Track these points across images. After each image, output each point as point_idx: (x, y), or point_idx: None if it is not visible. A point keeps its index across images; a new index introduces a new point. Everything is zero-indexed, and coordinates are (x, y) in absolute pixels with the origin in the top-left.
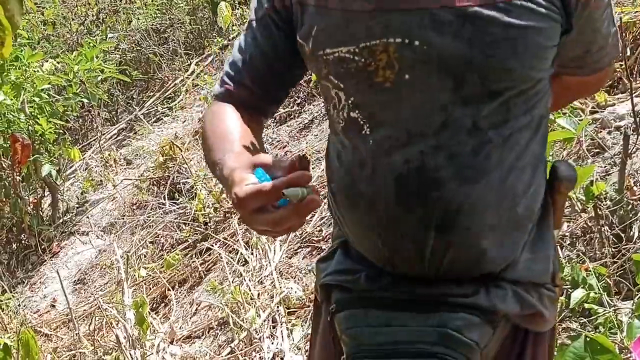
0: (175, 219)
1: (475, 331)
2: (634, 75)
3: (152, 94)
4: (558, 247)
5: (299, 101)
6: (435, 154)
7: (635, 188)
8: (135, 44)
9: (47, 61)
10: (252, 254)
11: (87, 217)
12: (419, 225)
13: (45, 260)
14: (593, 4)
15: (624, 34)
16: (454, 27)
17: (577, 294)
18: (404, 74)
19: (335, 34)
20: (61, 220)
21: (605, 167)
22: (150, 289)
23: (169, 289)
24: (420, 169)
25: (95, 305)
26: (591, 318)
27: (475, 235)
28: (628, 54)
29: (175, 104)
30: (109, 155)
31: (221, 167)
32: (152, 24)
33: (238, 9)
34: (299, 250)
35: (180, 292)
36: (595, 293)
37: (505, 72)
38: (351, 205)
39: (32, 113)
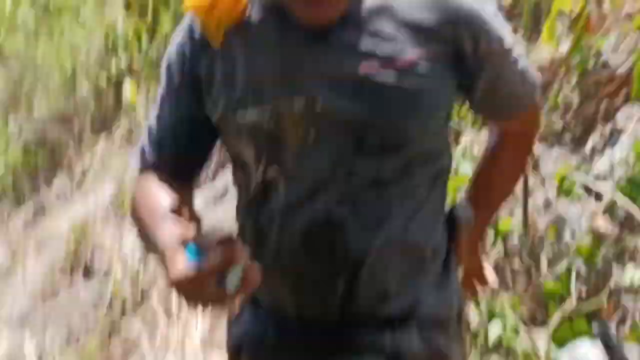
0: (91, 300)
1: None
2: None
3: (59, 177)
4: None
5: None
6: (339, 206)
7: (538, 222)
8: (39, 131)
9: None
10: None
11: None
12: (326, 274)
13: None
14: (491, 56)
15: None
16: (353, 89)
17: (494, 328)
18: (308, 132)
19: (245, 97)
20: None
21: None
22: None
23: None
24: (326, 221)
25: None
26: (510, 350)
27: (380, 282)
28: None
29: (85, 185)
30: (18, 242)
31: (155, 243)
32: (57, 109)
33: (143, 87)
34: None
35: None
36: (513, 324)
37: (402, 131)
38: (259, 258)
39: None
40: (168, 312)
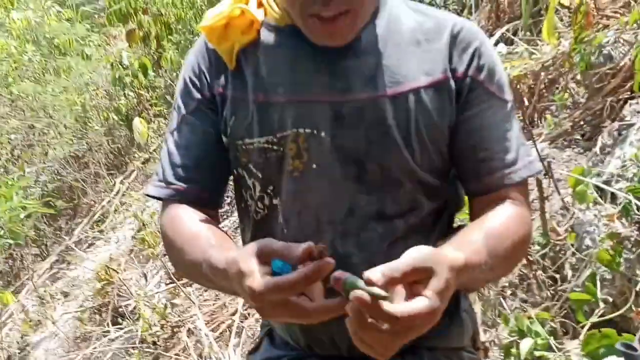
0: (122, 344)
1: None
2: (535, 122)
3: (80, 220)
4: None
5: (228, 200)
6: (344, 241)
7: (558, 228)
8: (55, 174)
9: None
10: None
11: None
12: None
13: None
14: (482, 92)
15: (518, 86)
16: (353, 120)
17: (526, 344)
18: (311, 164)
19: (252, 124)
20: None
21: None
22: None
23: None
24: (333, 253)
25: None
26: None
27: None
28: (526, 103)
29: (106, 226)
30: (45, 291)
31: (208, 263)
32: (70, 151)
33: (153, 122)
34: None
35: None
36: (543, 339)
37: (402, 163)
38: None
39: None
40: (198, 349)
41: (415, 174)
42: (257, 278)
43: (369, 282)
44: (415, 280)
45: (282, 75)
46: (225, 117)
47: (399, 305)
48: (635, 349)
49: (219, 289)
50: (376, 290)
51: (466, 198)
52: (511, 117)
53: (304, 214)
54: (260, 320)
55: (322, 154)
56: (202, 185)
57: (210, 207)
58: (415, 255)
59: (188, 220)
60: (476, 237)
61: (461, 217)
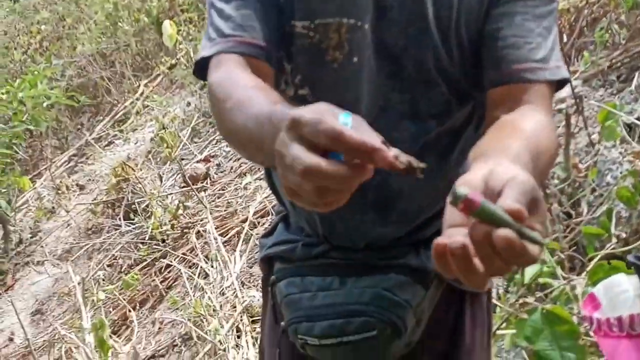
0: (132, 239)
1: (407, 291)
2: (572, 59)
3: (101, 118)
4: None
5: None
6: None
7: (580, 165)
8: (81, 70)
9: None
10: (212, 266)
11: (42, 246)
12: (357, 206)
13: (0, 294)
14: None
15: (558, 21)
16: (395, 14)
17: (531, 269)
18: (352, 56)
19: (293, 7)
20: (15, 252)
21: None
22: (111, 311)
23: (129, 310)
24: None
25: (55, 334)
26: (547, 292)
27: (411, 216)
28: (565, 39)
29: (126, 127)
30: (61, 182)
31: (268, 115)
32: (98, 48)
33: (183, 28)
34: None
35: (141, 312)
36: (549, 267)
37: (437, 62)
38: None
39: None
40: (205, 251)
41: (450, 75)
42: (327, 116)
43: (515, 215)
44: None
45: None
46: None
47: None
48: None
49: (266, 154)
50: (535, 235)
51: None
52: (552, 18)
53: (338, 107)
54: (276, 207)
55: (362, 47)
56: (261, 35)
57: (269, 63)
58: (523, 187)
59: (243, 78)
60: (523, 153)
61: None
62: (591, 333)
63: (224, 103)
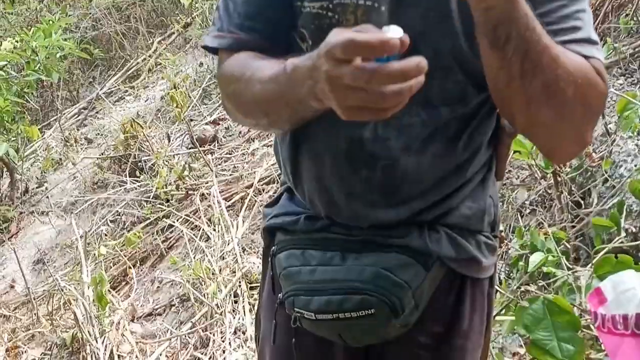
0: (136, 196)
1: (407, 272)
2: None
3: (113, 73)
4: (498, 200)
5: None
6: (386, 123)
7: (594, 155)
8: (96, 22)
9: (5, 40)
10: (214, 230)
11: (47, 197)
12: (362, 186)
13: (4, 241)
14: None
15: None
16: None
17: (536, 257)
18: None
19: None
20: (20, 201)
21: None
22: (111, 267)
23: (130, 267)
24: (372, 135)
25: (55, 285)
26: (550, 281)
27: (417, 200)
28: None
29: (138, 83)
30: (70, 134)
31: (286, 67)
32: (114, 2)
33: None
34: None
35: (141, 270)
36: (554, 256)
37: (456, 50)
38: (300, 154)
39: None
40: (209, 213)
41: (468, 63)
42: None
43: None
44: None
45: None
46: None
47: None
48: None
49: (290, 104)
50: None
51: None
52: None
53: None
54: (281, 178)
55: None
56: (264, 35)
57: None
58: None
59: (251, 58)
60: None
61: None
62: (593, 327)
63: (237, 84)
